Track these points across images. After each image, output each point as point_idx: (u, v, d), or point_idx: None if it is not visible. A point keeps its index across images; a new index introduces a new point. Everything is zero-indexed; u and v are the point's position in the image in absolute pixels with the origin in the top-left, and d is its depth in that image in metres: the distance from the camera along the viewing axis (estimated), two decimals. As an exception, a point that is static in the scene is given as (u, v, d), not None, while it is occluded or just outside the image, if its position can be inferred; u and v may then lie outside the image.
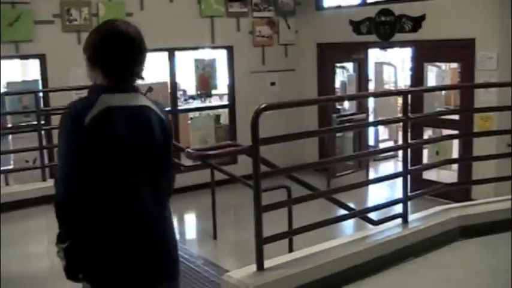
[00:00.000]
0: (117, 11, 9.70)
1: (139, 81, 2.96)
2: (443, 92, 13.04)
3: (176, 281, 2.87)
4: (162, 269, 2.75)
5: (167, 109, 10.34)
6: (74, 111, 2.67)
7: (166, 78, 10.73)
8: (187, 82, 13.24)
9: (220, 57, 11.49)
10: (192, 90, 12.94)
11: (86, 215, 2.60)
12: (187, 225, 10.03)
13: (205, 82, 11.23)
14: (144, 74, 3.04)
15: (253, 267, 4.05)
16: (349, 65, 12.74)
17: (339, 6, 11.72)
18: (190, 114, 12.12)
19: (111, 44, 2.86)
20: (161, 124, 2.89)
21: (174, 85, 10.79)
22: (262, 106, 4.01)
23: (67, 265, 2.65)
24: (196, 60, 11.19)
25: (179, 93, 12.51)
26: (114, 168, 2.66)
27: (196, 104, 12.43)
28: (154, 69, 12.22)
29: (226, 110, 11.67)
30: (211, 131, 11.22)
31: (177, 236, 2.90)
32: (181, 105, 12.18)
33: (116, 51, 2.87)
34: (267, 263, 4.05)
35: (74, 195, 2.58)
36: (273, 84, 11.68)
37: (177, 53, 10.69)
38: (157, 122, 2.88)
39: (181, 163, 9.05)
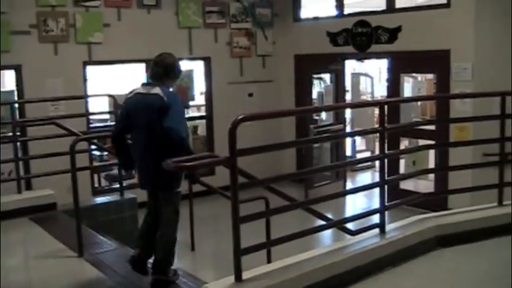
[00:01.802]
0: (94, 21, 9.67)
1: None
2: (419, 103, 13.17)
3: (167, 192, 4.96)
4: (156, 183, 4.93)
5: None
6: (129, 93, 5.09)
7: (143, 89, 10.67)
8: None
9: (197, 68, 11.48)
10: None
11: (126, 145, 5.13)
12: (165, 237, 9.95)
13: (182, 93, 11.20)
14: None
15: (231, 279, 4.03)
16: (326, 76, 12.80)
17: (316, 18, 11.79)
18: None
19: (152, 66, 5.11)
20: (161, 101, 4.76)
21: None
22: (240, 117, 4.00)
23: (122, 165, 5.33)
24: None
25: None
26: (131, 122, 4.93)
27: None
28: (131, 80, 12.21)
29: (203, 121, 11.65)
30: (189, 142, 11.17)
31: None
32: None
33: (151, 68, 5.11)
34: (245, 274, 4.03)
35: (120, 133, 5.08)
36: (250, 95, 11.69)
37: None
38: (158, 100, 4.77)
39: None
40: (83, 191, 6.51)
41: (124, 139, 5.12)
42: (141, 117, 4.84)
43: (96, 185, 10.24)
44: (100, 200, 7.94)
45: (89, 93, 9.88)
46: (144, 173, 5.03)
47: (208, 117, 11.38)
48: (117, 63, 10.65)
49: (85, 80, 9.83)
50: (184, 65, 11.29)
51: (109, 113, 9.39)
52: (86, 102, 9.62)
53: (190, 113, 12.43)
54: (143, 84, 5.03)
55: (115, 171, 9.12)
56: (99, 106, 10.32)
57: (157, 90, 4.83)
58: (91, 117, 10.18)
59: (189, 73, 11.36)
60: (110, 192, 8.58)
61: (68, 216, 6.76)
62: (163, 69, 5.01)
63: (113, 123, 8.10)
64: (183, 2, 10.67)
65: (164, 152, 4.49)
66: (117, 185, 7.96)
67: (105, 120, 11.02)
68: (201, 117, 11.81)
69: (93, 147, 8.48)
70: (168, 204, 5.00)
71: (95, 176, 10.22)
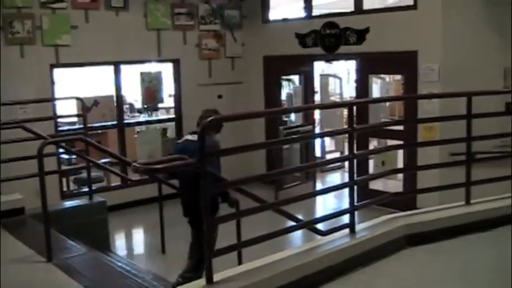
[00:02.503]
0: (61, 23, 9.58)
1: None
2: (388, 104, 13.29)
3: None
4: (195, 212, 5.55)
5: (114, 123, 10.28)
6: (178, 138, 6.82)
7: (112, 92, 10.62)
8: (134, 95, 13.15)
9: (166, 70, 11.44)
10: (138, 103, 12.85)
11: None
12: (135, 240, 9.91)
13: (151, 95, 11.17)
14: None
15: (202, 281, 4.02)
16: (296, 78, 12.86)
17: (285, 20, 11.83)
18: (137, 128, 12.01)
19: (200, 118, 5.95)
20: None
21: (119, 98, 10.67)
22: (209, 119, 4.00)
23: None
24: (142, 74, 11.12)
25: (125, 106, 12.39)
26: None
27: (143, 117, 12.34)
28: (100, 82, 12.14)
29: (173, 124, 11.61)
30: (158, 144, 11.14)
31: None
32: (128, 119, 12.06)
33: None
34: (216, 277, 4.03)
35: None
36: (220, 97, 11.68)
37: (123, 67, 10.58)
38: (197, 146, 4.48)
39: (128, 177, 8.95)
40: (52, 195, 6.43)
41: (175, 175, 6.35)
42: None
43: (65, 188, 10.15)
44: (69, 204, 7.85)
45: (56, 96, 9.79)
46: (185, 203, 6.16)
47: (178, 120, 11.34)
48: (85, 66, 10.56)
49: (52, 82, 9.73)
50: (153, 67, 11.29)
51: (77, 116, 9.30)
52: (54, 105, 9.52)
53: (160, 115, 12.38)
54: (191, 133, 6.13)
55: (84, 174, 9.04)
56: (67, 109, 10.21)
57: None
58: (59, 120, 10.08)
59: (158, 75, 11.31)
60: (79, 196, 8.50)
61: (36, 220, 6.66)
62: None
63: (81, 125, 8.03)
64: (151, 4, 10.63)
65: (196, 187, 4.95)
66: (86, 189, 7.89)
67: (73, 123, 10.91)
68: (170, 120, 11.77)
69: (61, 150, 8.38)
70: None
71: (64, 180, 10.12)
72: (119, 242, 9.25)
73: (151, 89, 11.12)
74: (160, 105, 11.90)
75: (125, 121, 11.15)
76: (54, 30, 9.52)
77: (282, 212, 5.11)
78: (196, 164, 4.01)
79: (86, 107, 8.71)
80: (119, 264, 6.06)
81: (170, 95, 12.06)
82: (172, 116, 11.66)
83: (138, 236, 10.10)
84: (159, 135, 11.47)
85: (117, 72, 10.49)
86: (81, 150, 7.83)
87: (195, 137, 5.65)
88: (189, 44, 11.27)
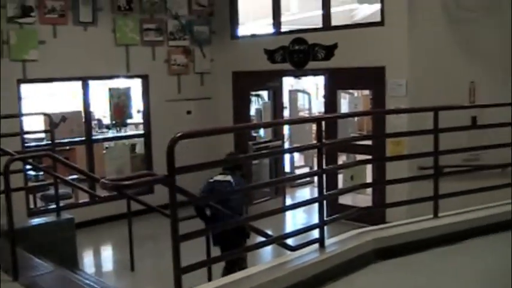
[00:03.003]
0: (29, 38, 9.49)
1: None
2: (356, 118, 13.38)
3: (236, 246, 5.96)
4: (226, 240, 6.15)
5: (82, 139, 10.16)
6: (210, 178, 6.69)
7: (80, 107, 10.52)
8: (102, 111, 13.06)
9: (135, 86, 11.38)
10: (107, 119, 12.75)
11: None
12: (104, 257, 9.79)
13: (120, 111, 11.08)
14: None
15: (171, 298, 3.97)
16: (265, 93, 12.88)
17: (254, 35, 11.88)
18: (105, 144, 11.91)
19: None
20: (230, 186, 6.37)
21: (87, 114, 10.57)
22: (178, 135, 3.97)
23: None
24: (110, 89, 11.04)
25: (94, 122, 12.29)
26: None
27: (111, 133, 12.25)
28: (68, 98, 12.03)
29: (142, 139, 11.54)
30: (126, 160, 11.05)
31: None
32: (96, 135, 11.95)
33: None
34: (185, 293, 3.98)
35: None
36: (189, 112, 11.65)
37: (92, 82, 10.49)
38: (229, 185, 6.32)
39: (96, 194, 8.85)
40: (18, 212, 6.32)
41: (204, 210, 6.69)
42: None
43: (32, 205, 9.99)
44: (36, 221, 7.71)
45: (23, 111, 9.66)
46: (217, 233, 6.30)
47: (147, 135, 11.27)
48: (53, 81, 10.46)
49: (20, 98, 9.60)
50: (122, 83, 11.23)
51: (45, 131, 9.19)
52: (21, 121, 9.39)
53: (128, 131, 12.29)
54: (221, 173, 6.80)
55: (51, 191, 8.91)
56: (34, 125, 10.10)
57: (229, 177, 6.71)
58: (26, 136, 9.94)
59: (126, 91, 11.24)
60: (46, 213, 8.37)
61: (2, 238, 6.54)
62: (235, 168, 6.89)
63: (49, 142, 7.93)
64: (120, 19, 10.58)
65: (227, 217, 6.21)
66: (54, 206, 7.77)
67: (41, 140, 10.78)
68: (139, 136, 11.69)
69: (28, 167, 8.27)
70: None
71: (31, 197, 9.96)
72: (87, 259, 9.13)
73: (120, 104, 11.04)
74: (129, 121, 11.82)
75: (93, 137, 11.05)
76: (21, 45, 9.42)
77: (251, 227, 5.08)
78: (165, 180, 3.98)
79: (54, 122, 8.60)
80: (87, 282, 5.98)
81: (139, 111, 11.99)
82: (141, 131, 11.59)
83: (107, 253, 9.98)
84: (127, 151, 11.39)
85: (85, 87, 10.40)
86: (48, 167, 7.73)
87: (224, 177, 6.69)
88: (158, 59, 11.23)
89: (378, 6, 9.96)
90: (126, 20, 10.68)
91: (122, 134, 11.85)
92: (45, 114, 8.39)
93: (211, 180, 6.73)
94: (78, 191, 10.36)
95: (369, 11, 15.05)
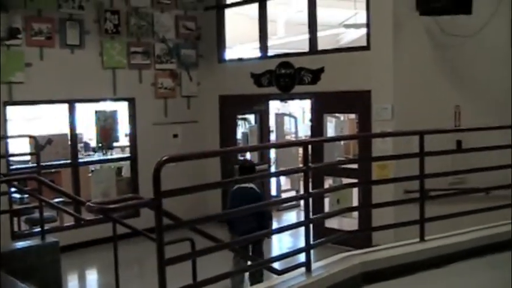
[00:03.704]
0: (15, 60, 9.46)
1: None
2: (342, 142, 13.41)
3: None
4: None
5: (68, 161, 10.10)
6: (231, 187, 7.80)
7: (66, 130, 10.47)
8: (89, 134, 13.00)
9: (122, 109, 11.35)
10: (93, 142, 12.70)
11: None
12: (89, 281, 9.69)
13: (106, 134, 11.04)
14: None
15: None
16: (251, 117, 12.90)
17: (241, 59, 11.92)
18: (91, 167, 11.83)
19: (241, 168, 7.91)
20: (254, 193, 7.39)
21: (74, 137, 10.51)
22: (164, 158, 3.95)
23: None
24: (97, 112, 11.00)
25: (80, 145, 12.23)
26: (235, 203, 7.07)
27: (98, 156, 12.18)
28: (54, 120, 11.98)
29: (128, 163, 11.49)
30: (112, 183, 10.98)
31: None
32: (82, 158, 11.88)
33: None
34: (171, 318, 3.93)
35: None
36: (175, 136, 11.62)
37: (78, 105, 10.46)
38: (255, 193, 7.35)
39: (81, 217, 8.78)
40: (2, 236, 6.25)
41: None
42: (243, 200, 6.74)
43: (16, 229, 9.87)
44: (20, 244, 7.62)
45: (9, 134, 9.60)
46: (243, 232, 6.71)
47: (133, 159, 11.23)
48: (39, 104, 10.42)
49: (5, 120, 9.54)
50: (108, 106, 11.20)
51: (30, 154, 9.13)
52: (6, 143, 9.32)
53: (114, 154, 12.24)
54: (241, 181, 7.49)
55: (36, 214, 8.83)
56: (20, 147, 10.04)
57: (251, 184, 7.59)
58: (12, 158, 9.87)
59: (113, 114, 11.20)
60: (31, 237, 8.28)
61: (-15, 262, 6.45)
62: (249, 170, 7.78)
63: (35, 164, 7.87)
64: (107, 42, 10.59)
65: (256, 219, 7.12)
66: (38, 229, 7.69)
67: (27, 162, 10.70)
68: (125, 159, 11.64)
69: (13, 189, 8.19)
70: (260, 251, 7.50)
71: (15, 220, 9.85)
72: (72, 284, 9.03)
73: (106, 127, 11.00)
74: (115, 144, 11.78)
75: (79, 160, 10.98)
76: (7, 67, 9.38)
77: (238, 251, 5.05)
78: (151, 204, 3.95)
79: (40, 145, 8.56)
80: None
81: (126, 134, 11.95)
82: (128, 154, 11.55)
83: (92, 277, 9.87)
84: (113, 174, 11.32)
85: (71, 110, 10.36)
86: (33, 190, 7.66)
87: (247, 184, 7.53)
88: (145, 82, 11.23)
89: (364, 31, 10.07)
90: (113, 43, 10.69)
91: (108, 157, 11.78)
92: (31, 137, 8.35)
93: (235, 188, 7.70)
94: (64, 214, 10.27)
95: (355, 36, 15.19)
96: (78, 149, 11.30)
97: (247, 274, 7.52)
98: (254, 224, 6.95)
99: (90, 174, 11.53)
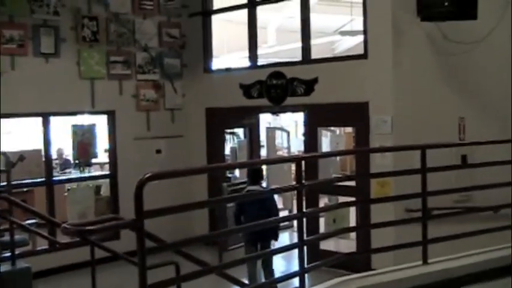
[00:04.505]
0: (-16, 69, 9.42)
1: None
2: (338, 158, 13.42)
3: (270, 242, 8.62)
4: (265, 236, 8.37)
5: (42, 180, 10.04)
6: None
7: (40, 146, 10.42)
8: (65, 150, 12.94)
9: (101, 122, 11.32)
10: (69, 158, 12.64)
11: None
12: (65, 310, 9.61)
13: (84, 150, 10.99)
14: None
15: None
16: (240, 131, 12.90)
17: (229, 69, 11.94)
18: (68, 186, 11.78)
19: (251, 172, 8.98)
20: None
21: (48, 153, 10.45)
22: (147, 176, 3.94)
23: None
24: (74, 126, 10.96)
25: (55, 162, 12.17)
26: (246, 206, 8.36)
27: (74, 174, 12.12)
28: (27, 135, 11.92)
29: (107, 180, 11.44)
30: (90, 203, 10.92)
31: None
32: (57, 176, 11.82)
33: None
34: None
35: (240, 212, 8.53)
36: (158, 151, 11.60)
37: (53, 118, 10.41)
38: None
39: (56, 240, 8.72)
40: (-31, 261, 6.19)
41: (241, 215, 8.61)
42: (254, 202, 8.08)
43: (-15, 253, 9.80)
44: (-11, 270, 7.57)
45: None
46: (254, 232, 8.09)
47: (113, 176, 11.18)
48: (10, 117, 10.36)
49: (-27, 135, 9.50)
50: (86, 119, 11.16)
51: (0, 172, 9.06)
52: (-26, 161, 9.26)
53: (93, 171, 12.18)
54: (250, 184, 8.83)
55: (6, 237, 8.75)
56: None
57: (260, 187, 8.84)
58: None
59: (91, 128, 11.16)
60: (0, 262, 8.20)
61: (-49, 290, 6.40)
62: (258, 173, 8.91)
63: (5, 183, 7.82)
64: (84, 51, 10.58)
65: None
66: (9, 253, 7.62)
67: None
68: (104, 176, 11.60)
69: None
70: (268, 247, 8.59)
71: (-16, 244, 9.77)
72: (46, 313, 8.95)
73: (84, 142, 10.95)
74: (93, 160, 11.73)
75: (54, 178, 10.92)
76: (-26, 76, 9.35)
77: (226, 275, 5.02)
78: (132, 225, 3.93)
79: (11, 162, 8.50)
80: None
81: (105, 150, 11.90)
82: (107, 172, 11.51)
83: (68, 305, 9.79)
84: (92, 194, 11.25)
85: (46, 124, 10.32)
86: (3, 210, 7.59)
87: (256, 187, 8.68)
88: (126, 94, 11.21)
89: (360, 38, 10.10)
90: (92, 52, 10.68)
91: (86, 174, 11.72)
92: (1, 153, 8.29)
93: (245, 191, 8.92)
94: (37, 237, 10.19)
95: (352, 43, 15.27)
96: (53, 166, 11.25)
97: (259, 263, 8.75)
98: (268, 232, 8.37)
99: (66, 194, 11.45)
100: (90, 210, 10.75)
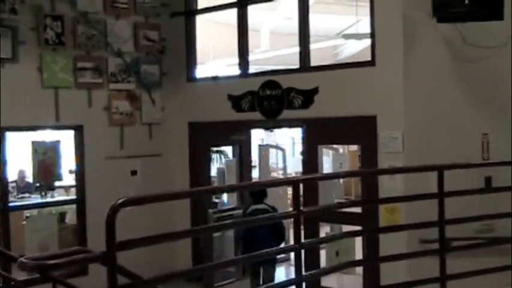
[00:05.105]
0: None
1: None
2: (341, 180, 13.43)
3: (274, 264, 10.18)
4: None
5: None
6: (245, 208, 10.32)
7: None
8: (23, 171, 12.90)
9: (66, 139, 11.28)
10: (29, 180, 12.61)
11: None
12: None
13: (46, 171, 10.94)
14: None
15: None
16: (228, 149, 12.90)
17: (215, 78, 11.95)
18: (26, 213, 11.73)
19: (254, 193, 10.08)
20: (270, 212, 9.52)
21: (3, 175, 10.40)
22: (120, 201, 3.94)
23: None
24: (34, 143, 10.91)
25: (11, 184, 12.13)
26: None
27: (35, 199, 12.09)
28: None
29: (73, 207, 11.41)
30: (53, 233, 10.86)
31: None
32: (15, 201, 11.78)
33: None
34: None
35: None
36: (134, 173, 11.58)
37: (9, 134, 10.37)
38: (267, 212, 9.47)
39: (11, 277, 8.67)
40: None
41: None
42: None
43: None
44: None
45: None
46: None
47: (80, 202, 11.13)
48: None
49: None
50: (49, 136, 11.12)
51: None
52: None
53: (56, 196, 12.15)
54: (254, 203, 9.83)
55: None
56: None
57: (264, 205, 9.81)
58: None
59: (55, 146, 11.10)
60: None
61: None
62: (263, 190, 9.85)
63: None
64: (47, 56, 10.55)
65: (273, 239, 9.46)
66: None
67: None
68: (70, 202, 11.56)
69: None
70: (273, 269, 10.08)
71: None
72: None
73: (46, 162, 10.90)
74: (57, 183, 11.69)
75: (11, 203, 10.85)
76: None
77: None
78: (103, 259, 3.91)
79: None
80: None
81: (71, 171, 11.87)
82: (73, 197, 11.46)
83: None
84: (55, 222, 11.20)
85: (1, 140, 10.29)
86: None
87: (262, 205, 9.71)
88: (96, 106, 11.19)
89: (367, 42, 10.14)
90: (56, 57, 10.65)
91: (48, 199, 11.69)
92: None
93: (250, 211, 9.83)
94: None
95: (357, 48, 15.35)
96: (9, 189, 11.20)
97: None
98: (274, 244, 9.23)
99: (24, 222, 11.42)
100: (52, 241, 10.70)
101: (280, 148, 16.06)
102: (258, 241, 9.16)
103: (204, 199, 11.33)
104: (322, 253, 10.29)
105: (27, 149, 10.98)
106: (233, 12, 11.49)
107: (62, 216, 11.72)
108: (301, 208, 5.06)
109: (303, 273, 5.21)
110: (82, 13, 10.93)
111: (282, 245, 10.24)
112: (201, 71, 12.24)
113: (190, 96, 11.94)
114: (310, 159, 10.48)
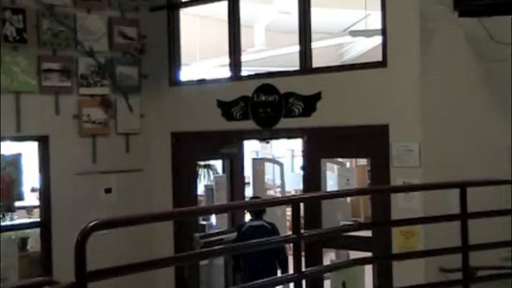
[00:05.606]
0: None
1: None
2: (348, 199, 13.44)
3: None
4: None
5: None
6: (240, 226, 11.66)
7: None
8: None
9: (29, 152, 11.27)
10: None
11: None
12: None
13: (5, 189, 10.92)
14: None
15: None
16: (218, 163, 12.90)
17: (203, 81, 11.96)
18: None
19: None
20: (268, 231, 10.90)
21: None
22: (92, 224, 3.93)
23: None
24: (-9, 157, 10.92)
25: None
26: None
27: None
28: None
29: (37, 231, 11.37)
30: (13, 262, 10.83)
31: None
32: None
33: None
34: None
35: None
36: (108, 190, 11.55)
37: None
38: (266, 231, 10.88)
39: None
40: None
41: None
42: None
43: None
44: None
45: None
46: (259, 271, 9.87)
47: (44, 225, 11.10)
48: None
49: None
50: (8, 148, 11.10)
51: None
52: None
53: (17, 218, 12.12)
54: (252, 220, 10.92)
55: None
56: None
57: (262, 222, 10.89)
58: None
59: (16, 159, 11.09)
60: None
61: None
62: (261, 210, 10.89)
63: None
64: (7, 55, 10.51)
65: (269, 258, 10.35)
66: None
67: None
68: (33, 225, 11.54)
69: None
70: None
71: None
72: None
73: (5, 180, 10.89)
74: (18, 203, 11.67)
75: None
76: None
77: None
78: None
79: None
80: None
81: (34, 189, 11.84)
82: (37, 219, 11.44)
83: None
84: (15, 249, 11.17)
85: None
86: None
87: (258, 222, 10.75)
88: (64, 114, 11.16)
89: (378, 40, 10.15)
90: (17, 56, 10.62)
91: (7, 222, 11.66)
92: None
93: (245, 228, 10.79)
94: None
95: (366, 47, 15.38)
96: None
97: None
98: (266, 264, 9.99)
99: (-21, 249, 11.40)
100: (12, 271, 10.67)
101: (278, 162, 16.08)
102: (253, 255, 9.74)
103: (190, 221, 11.31)
104: (326, 284, 10.29)
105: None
106: (223, 6, 11.48)
107: (23, 241, 11.69)
108: (302, 231, 5.05)
109: (305, 307, 5.20)
110: (48, 6, 10.87)
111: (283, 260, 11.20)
112: (186, 74, 12.26)
113: (173, 102, 11.93)
114: (312, 175, 10.46)
